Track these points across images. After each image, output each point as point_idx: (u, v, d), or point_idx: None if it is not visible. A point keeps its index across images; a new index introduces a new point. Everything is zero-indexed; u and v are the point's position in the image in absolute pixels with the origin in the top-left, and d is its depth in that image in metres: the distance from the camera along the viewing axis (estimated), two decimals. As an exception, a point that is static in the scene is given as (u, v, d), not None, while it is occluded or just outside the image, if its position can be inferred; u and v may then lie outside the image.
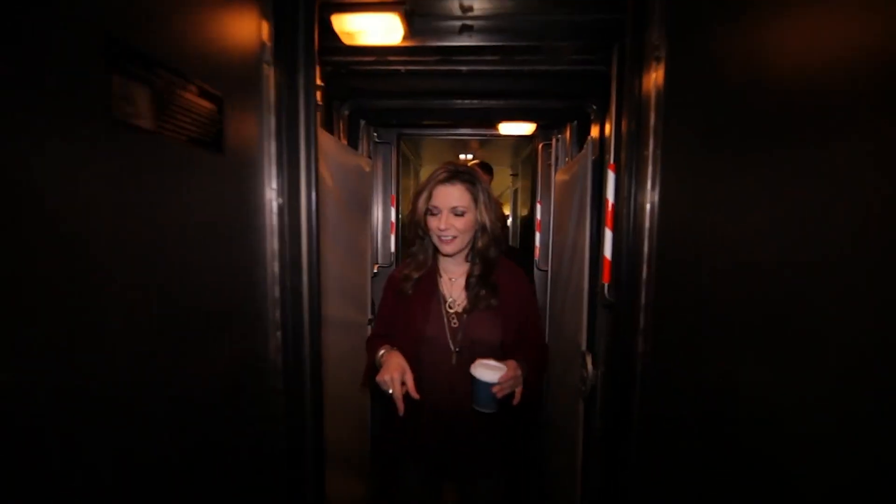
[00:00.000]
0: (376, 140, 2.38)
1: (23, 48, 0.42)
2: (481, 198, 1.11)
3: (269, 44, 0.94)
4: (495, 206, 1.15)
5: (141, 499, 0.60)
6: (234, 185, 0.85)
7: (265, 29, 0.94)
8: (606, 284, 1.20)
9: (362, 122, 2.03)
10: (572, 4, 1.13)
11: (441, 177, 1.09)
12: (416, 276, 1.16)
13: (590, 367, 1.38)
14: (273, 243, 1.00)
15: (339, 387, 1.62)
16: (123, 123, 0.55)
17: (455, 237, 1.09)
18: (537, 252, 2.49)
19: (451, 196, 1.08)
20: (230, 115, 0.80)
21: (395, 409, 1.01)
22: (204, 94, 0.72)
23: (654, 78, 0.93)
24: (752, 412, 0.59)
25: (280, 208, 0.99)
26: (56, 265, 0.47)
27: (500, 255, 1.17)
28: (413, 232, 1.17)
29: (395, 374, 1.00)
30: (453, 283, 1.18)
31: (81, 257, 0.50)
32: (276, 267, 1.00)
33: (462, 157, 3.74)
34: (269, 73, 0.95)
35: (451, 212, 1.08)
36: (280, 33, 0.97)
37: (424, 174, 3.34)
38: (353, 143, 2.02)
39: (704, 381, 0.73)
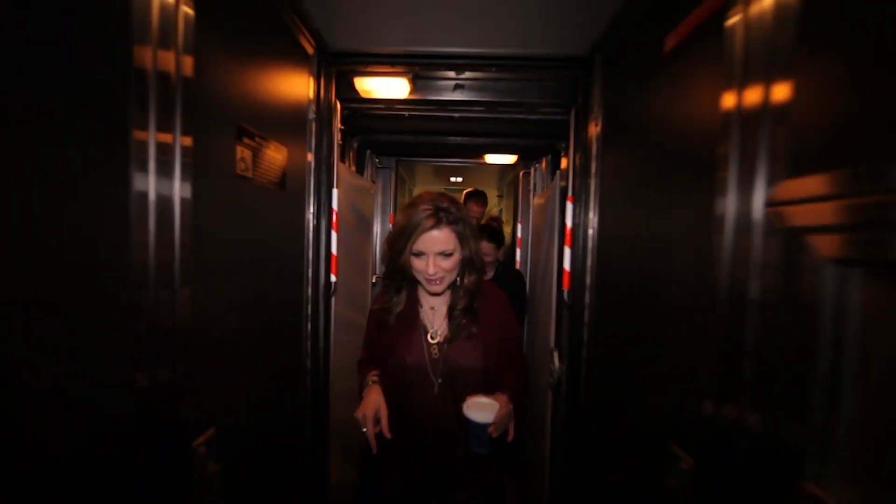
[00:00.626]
0: (378, 165, 2.71)
1: (203, 135, 0.73)
2: (466, 233, 1.08)
3: (313, 105, 1.27)
4: (476, 233, 1.14)
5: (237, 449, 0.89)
6: (290, 212, 1.16)
7: (312, 92, 1.26)
8: (566, 290, 1.52)
9: (368, 152, 2.36)
10: (543, 78, 1.49)
11: (427, 224, 1.03)
12: (397, 310, 1.15)
13: (556, 361, 1.69)
14: (309, 254, 1.30)
15: (348, 381, 1.90)
16: (240, 176, 0.86)
17: (443, 278, 1.07)
18: (518, 265, 2.82)
19: (438, 241, 1.04)
20: (289, 160, 1.11)
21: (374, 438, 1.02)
22: (276, 148, 1.03)
23: (595, 132, 1.28)
24: (639, 375, 0.92)
25: (315, 227, 1.30)
26: (218, 262, 0.77)
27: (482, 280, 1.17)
28: (392, 267, 1.12)
29: (369, 412, 1.02)
30: (435, 312, 1.17)
31: (222, 253, 0.80)
32: (310, 272, 1.30)
33: (452, 179, 4.09)
34: (312, 126, 1.27)
35: (440, 255, 1.05)
36: (318, 96, 1.29)
37: (417, 192, 3.66)
38: (359, 168, 2.35)
39: (613, 356, 1.07)
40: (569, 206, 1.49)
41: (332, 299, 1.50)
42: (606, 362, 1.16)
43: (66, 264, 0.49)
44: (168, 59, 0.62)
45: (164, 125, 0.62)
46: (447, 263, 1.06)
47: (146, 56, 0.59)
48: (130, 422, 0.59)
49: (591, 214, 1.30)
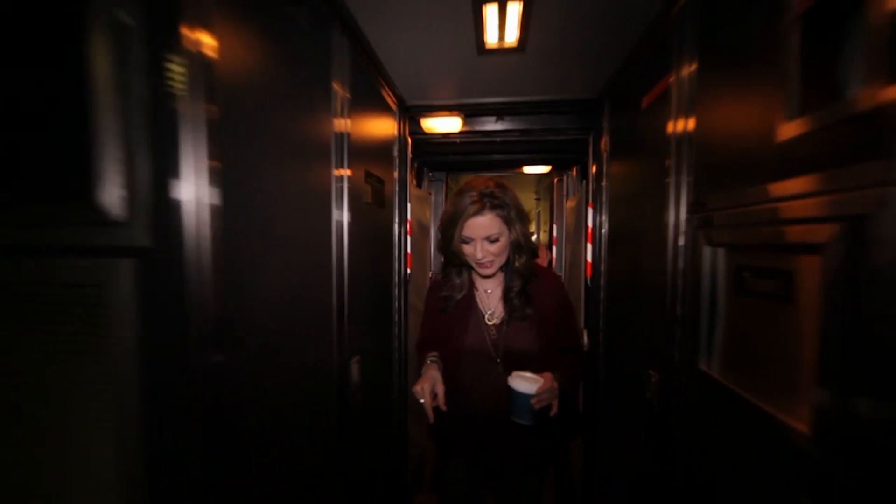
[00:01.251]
0: (432, 178, 3.22)
1: (354, 177, 1.24)
2: (512, 216, 1.11)
3: (396, 144, 1.77)
4: (525, 216, 1.16)
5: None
6: (387, 223, 1.67)
7: (396, 135, 1.77)
8: (589, 277, 1.92)
9: (425, 168, 2.87)
10: (569, 112, 1.90)
11: (471, 210, 1.08)
12: (457, 297, 1.20)
13: (585, 339, 2.09)
14: (396, 252, 1.81)
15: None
16: (365, 202, 1.37)
17: (493, 261, 1.12)
18: (554, 261, 3.21)
19: (484, 226, 1.08)
20: (385, 186, 1.62)
21: (440, 412, 1.07)
22: (380, 180, 1.54)
23: (605, 150, 1.68)
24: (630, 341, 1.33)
25: (398, 233, 1.81)
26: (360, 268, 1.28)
27: (535, 263, 1.20)
28: (447, 255, 1.17)
29: (427, 385, 1.05)
30: (490, 295, 1.22)
31: (361, 254, 1.31)
32: (398, 266, 1.81)
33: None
34: (396, 160, 1.78)
35: (486, 239, 1.10)
36: (399, 137, 1.80)
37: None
38: (419, 181, 2.86)
39: (617, 321, 1.47)
40: (589, 210, 1.89)
41: (408, 286, 2.00)
42: (614, 326, 1.57)
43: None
44: (343, 125, 1.14)
45: (340, 167, 1.13)
46: (494, 247, 1.10)
47: (339, 124, 1.11)
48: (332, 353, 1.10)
49: (603, 216, 1.70)
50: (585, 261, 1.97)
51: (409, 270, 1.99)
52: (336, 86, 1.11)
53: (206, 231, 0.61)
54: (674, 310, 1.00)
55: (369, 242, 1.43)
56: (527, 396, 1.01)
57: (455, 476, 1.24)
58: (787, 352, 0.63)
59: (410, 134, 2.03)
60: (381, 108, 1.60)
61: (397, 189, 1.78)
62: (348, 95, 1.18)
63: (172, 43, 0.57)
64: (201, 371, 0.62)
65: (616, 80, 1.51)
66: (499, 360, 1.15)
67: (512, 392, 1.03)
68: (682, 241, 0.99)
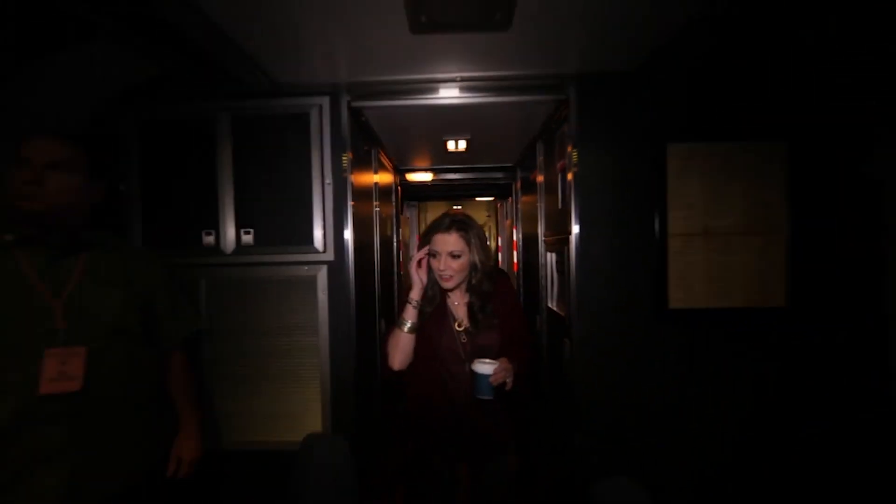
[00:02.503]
0: (408, 205, 4.32)
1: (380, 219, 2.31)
2: (473, 241, 1.28)
3: (395, 189, 2.85)
4: (486, 247, 1.33)
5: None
6: (391, 244, 2.74)
7: (394, 185, 2.85)
8: (516, 271, 3.09)
9: (405, 200, 3.97)
10: (499, 171, 3.06)
11: (440, 227, 1.28)
12: (428, 309, 1.33)
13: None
14: (395, 267, 2.87)
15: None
16: (387, 236, 2.43)
17: (452, 276, 1.27)
18: (500, 262, 4.42)
19: (448, 242, 1.26)
20: (389, 217, 2.69)
21: (416, 407, 1.34)
22: (389, 215, 2.59)
23: (517, 191, 2.86)
24: None
25: (395, 248, 2.88)
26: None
27: (497, 279, 1.37)
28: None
29: (414, 262, 1.31)
30: (458, 307, 1.37)
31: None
32: (395, 278, 2.89)
33: (455, 207, 5.73)
34: (394, 199, 2.85)
35: (449, 255, 1.26)
36: (395, 187, 2.88)
37: (429, 217, 5.27)
38: (400, 208, 3.94)
39: (529, 299, 2.66)
40: (513, 230, 3.06)
41: (401, 280, 3.06)
42: (528, 294, 2.73)
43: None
44: (375, 178, 2.20)
45: (375, 202, 2.19)
46: (455, 264, 1.27)
47: (373, 178, 2.17)
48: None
49: (518, 232, 2.88)
50: (513, 261, 3.14)
51: (401, 272, 3.05)
52: (373, 159, 2.18)
53: (352, 253, 1.66)
54: (539, 282, 2.17)
55: (385, 253, 2.49)
56: (486, 376, 1.19)
57: (435, 465, 1.35)
58: (564, 293, 1.79)
59: (400, 183, 3.11)
60: (387, 169, 2.67)
61: (394, 218, 2.86)
62: (377, 163, 2.24)
63: (339, 169, 1.61)
64: (356, 318, 1.66)
65: (522, 156, 2.69)
66: (465, 361, 1.29)
67: (475, 375, 1.21)
68: (541, 248, 2.16)
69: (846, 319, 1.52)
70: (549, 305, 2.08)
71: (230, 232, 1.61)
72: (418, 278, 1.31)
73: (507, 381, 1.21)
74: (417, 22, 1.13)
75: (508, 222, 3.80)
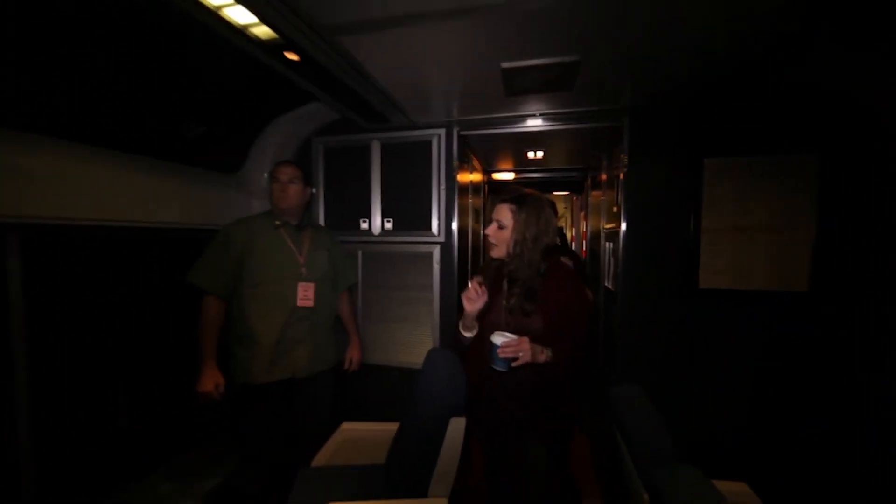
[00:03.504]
0: (492, 200, 4.97)
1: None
2: (522, 217, 1.33)
3: (482, 186, 3.52)
4: (545, 226, 1.36)
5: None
6: (478, 230, 3.45)
7: (482, 180, 3.52)
8: (585, 256, 3.57)
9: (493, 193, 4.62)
10: (572, 172, 3.55)
11: (499, 200, 1.39)
12: (486, 280, 1.41)
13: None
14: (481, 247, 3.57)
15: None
16: (478, 214, 3.13)
17: (496, 244, 1.38)
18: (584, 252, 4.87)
19: (500, 212, 1.37)
20: (480, 212, 3.37)
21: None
22: (479, 211, 3.28)
23: (588, 191, 3.33)
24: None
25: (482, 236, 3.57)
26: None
27: (553, 263, 1.36)
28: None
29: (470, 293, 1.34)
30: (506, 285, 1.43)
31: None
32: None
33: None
34: (481, 193, 3.52)
35: (497, 224, 1.37)
36: (483, 181, 3.54)
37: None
38: (486, 200, 4.60)
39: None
40: (583, 221, 3.53)
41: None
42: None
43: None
44: (475, 177, 2.89)
45: (475, 198, 2.88)
46: (500, 234, 1.34)
47: (476, 177, 2.87)
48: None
49: (587, 223, 3.35)
50: (582, 248, 3.62)
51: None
52: (470, 166, 2.86)
53: (456, 237, 2.37)
54: (600, 265, 2.67)
55: (476, 235, 3.18)
56: (496, 346, 1.23)
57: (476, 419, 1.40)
58: (616, 274, 2.31)
59: (487, 181, 3.75)
60: (478, 171, 3.34)
61: (482, 208, 3.53)
62: (471, 167, 2.91)
63: (450, 179, 2.33)
64: (457, 282, 2.37)
65: (587, 166, 3.15)
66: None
67: (490, 345, 1.25)
68: (602, 237, 2.65)
69: (859, 303, 1.81)
70: (606, 284, 2.57)
71: (377, 220, 2.43)
72: (467, 302, 1.35)
73: (520, 356, 1.21)
74: (511, 89, 1.76)
75: (582, 214, 4.23)
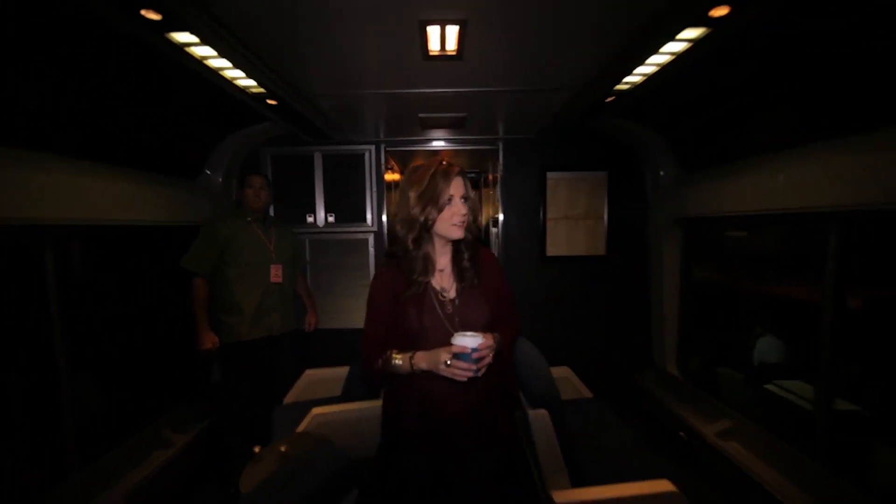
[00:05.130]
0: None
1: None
2: (470, 186, 1.20)
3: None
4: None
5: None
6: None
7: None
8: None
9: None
10: (468, 173, 4.55)
11: (452, 172, 1.15)
12: (425, 279, 1.20)
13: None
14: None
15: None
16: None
17: (464, 222, 1.17)
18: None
19: (461, 186, 1.17)
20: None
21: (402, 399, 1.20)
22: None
23: (481, 188, 4.37)
24: None
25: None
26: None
27: (480, 246, 1.29)
28: (418, 229, 1.17)
29: (444, 356, 1.07)
30: (443, 274, 1.25)
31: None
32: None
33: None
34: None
35: (462, 199, 1.16)
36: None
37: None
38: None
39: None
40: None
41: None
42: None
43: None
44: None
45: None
46: (465, 209, 1.16)
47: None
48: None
49: (482, 213, 4.38)
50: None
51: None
52: (393, 170, 3.63)
53: (385, 226, 3.15)
54: (490, 244, 3.71)
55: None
56: (468, 353, 1.06)
57: (416, 466, 1.19)
58: (497, 249, 3.35)
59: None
60: (395, 171, 4.11)
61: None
62: (391, 170, 3.69)
63: (379, 181, 3.09)
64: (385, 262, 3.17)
65: (481, 170, 4.16)
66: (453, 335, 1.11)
67: (452, 355, 1.07)
68: (491, 224, 3.68)
69: (634, 261, 3.11)
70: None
71: (321, 214, 3.09)
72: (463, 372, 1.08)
73: (489, 356, 1.10)
74: (424, 126, 2.60)
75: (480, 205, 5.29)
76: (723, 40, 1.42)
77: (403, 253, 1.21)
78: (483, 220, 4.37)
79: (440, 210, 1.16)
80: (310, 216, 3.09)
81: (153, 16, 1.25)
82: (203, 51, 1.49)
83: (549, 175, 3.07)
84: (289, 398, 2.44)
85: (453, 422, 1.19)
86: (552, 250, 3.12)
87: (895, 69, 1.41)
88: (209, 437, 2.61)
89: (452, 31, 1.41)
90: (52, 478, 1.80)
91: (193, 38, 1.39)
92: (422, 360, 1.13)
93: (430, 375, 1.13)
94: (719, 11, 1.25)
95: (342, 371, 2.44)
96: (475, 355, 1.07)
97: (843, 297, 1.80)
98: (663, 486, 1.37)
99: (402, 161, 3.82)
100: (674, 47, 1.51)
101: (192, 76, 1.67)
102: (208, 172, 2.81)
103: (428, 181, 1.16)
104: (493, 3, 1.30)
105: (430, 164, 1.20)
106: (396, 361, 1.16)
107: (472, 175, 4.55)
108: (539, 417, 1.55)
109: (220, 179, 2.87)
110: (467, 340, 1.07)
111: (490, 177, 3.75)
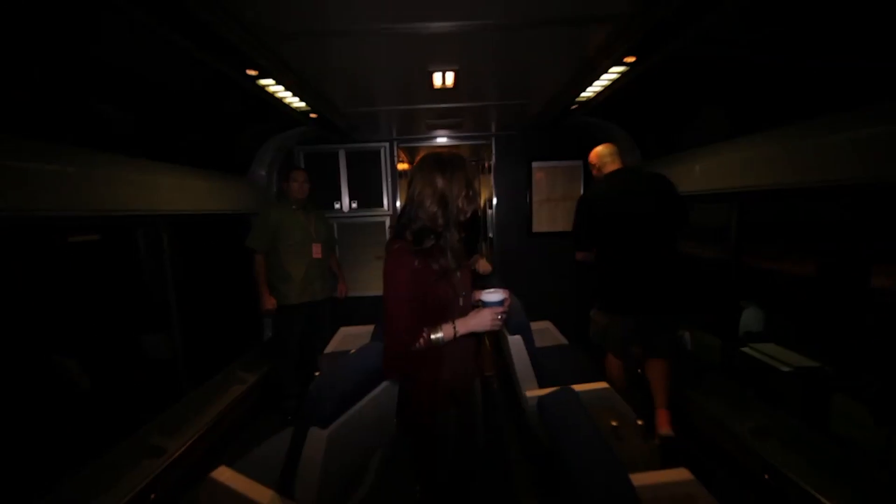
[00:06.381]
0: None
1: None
2: None
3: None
4: None
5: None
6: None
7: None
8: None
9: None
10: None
11: (467, 168, 1.31)
12: (454, 265, 1.30)
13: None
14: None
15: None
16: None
17: None
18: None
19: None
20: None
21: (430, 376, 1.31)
22: (407, 191, 4.71)
23: (480, 173, 5.00)
24: None
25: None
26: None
27: None
28: (442, 220, 1.27)
29: (488, 314, 1.27)
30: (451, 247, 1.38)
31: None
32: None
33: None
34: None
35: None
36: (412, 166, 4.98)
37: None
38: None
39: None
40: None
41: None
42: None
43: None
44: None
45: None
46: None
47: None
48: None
49: (482, 195, 5.02)
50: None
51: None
52: (404, 160, 4.26)
53: (398, 208, 3.80)
54: (485, 223, 4.36)
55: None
56: (499, 303, 1.26)
57: (450, 422, 1.34)
58: (491, 226, 4.01)
59: (412, 165, 5.15)
60: (404, 161, 4.73)
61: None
62: (401, 161, 4.32)
63: (393, 172, 3.74)
64: None
65: (479, 158, 4.76)
66: (459, 297, 1.33)
67: (486, 304, 1.27)
68: (486, 205, 4.33)
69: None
70: (489, 235, 4.26)
71: (346, 201, 3.74)
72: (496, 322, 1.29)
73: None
74: (431, 127, 3.22)
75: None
76: (650, 69, 2.00)
77: (435, 240, 1.27)
78: (481, 202, 5.01)
79: (473, 201, 1.32)
80: (336, 203, 3.75)
81: (252, 72, 1.88)
82: (274, 87, 2.13)
83: (534, 164, 3.69)
84: (328, 349, 3.16)
85: (466, 375, 1.41)
86: (538, 227, 3.77)
87: (766, 90, 2.00)
88: (267, 378, 3.34)
89: (451, 75, 2.03)
90: (173, 396, 2.53)
91: (272, 81, 2.03)
92: (465, 324, 1.27)
93: (448, 343, 1.27)
94: (630, 59, 1.86)
95: (369, 328, 3.15)
96: (505, 305, 1.28)
97: (740, 256, 2.46)
98: (682, 474, 1.44)
99: (410, 154, 4.44)
100: (610, 75, 2.11)
101: (255, 98, 2.29)
102: (255, 169, 3.46)
103: (469, 182, 1.30)
104: (478, 58, 1.92)
105: (462, 161, 1.31)
106: (439, 334, 1.25)
107: (474, 162, 5.14)
108: (516, 341, 2.24)
109: (264, 174, 3.52)
110: (497, 296, 1.27)
111: (487, 164, 4.38)
